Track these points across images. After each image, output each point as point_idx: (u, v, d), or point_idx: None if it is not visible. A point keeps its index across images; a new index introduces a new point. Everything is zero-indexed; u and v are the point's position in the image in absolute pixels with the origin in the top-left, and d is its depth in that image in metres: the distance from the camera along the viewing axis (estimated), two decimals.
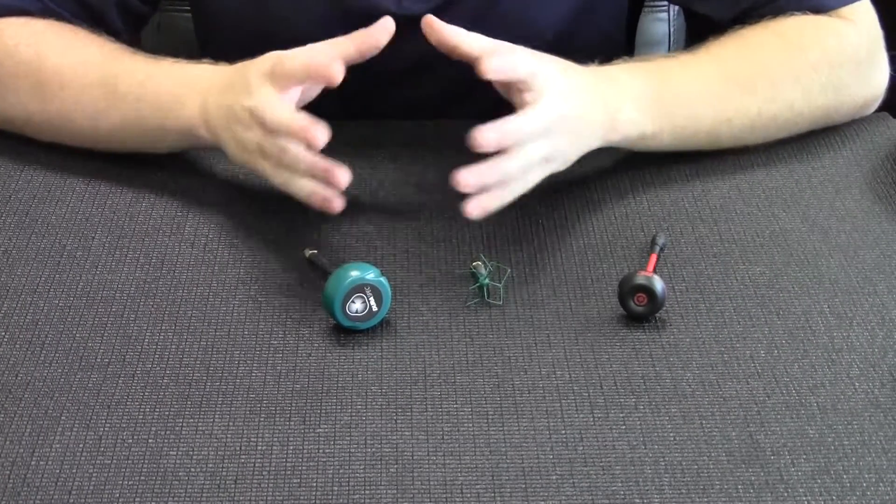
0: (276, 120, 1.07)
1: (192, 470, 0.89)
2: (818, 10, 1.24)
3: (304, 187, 1.08)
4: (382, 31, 1.10)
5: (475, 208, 1.05)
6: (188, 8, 1.41)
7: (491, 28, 1.18)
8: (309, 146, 1.06)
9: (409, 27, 1.13)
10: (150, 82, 1.18)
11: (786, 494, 0.87)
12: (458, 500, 0.87)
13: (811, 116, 1.24)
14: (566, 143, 1.12)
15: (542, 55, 1.12)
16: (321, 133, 1.05)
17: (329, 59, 1.07)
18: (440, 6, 1.24)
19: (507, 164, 1.06)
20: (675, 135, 1.20)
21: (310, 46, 1.10)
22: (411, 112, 1.32)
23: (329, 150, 1.06)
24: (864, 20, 1.25)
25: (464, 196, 1.05)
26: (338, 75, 1.06)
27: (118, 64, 1.20)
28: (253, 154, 1.10)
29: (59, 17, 1.25)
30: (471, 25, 1.15)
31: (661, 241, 1.10)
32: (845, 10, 1.25)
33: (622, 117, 1.16)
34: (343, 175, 1.06)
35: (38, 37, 1.22)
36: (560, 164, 1.12)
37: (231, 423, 0.93)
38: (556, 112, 1.09)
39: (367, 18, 1.14)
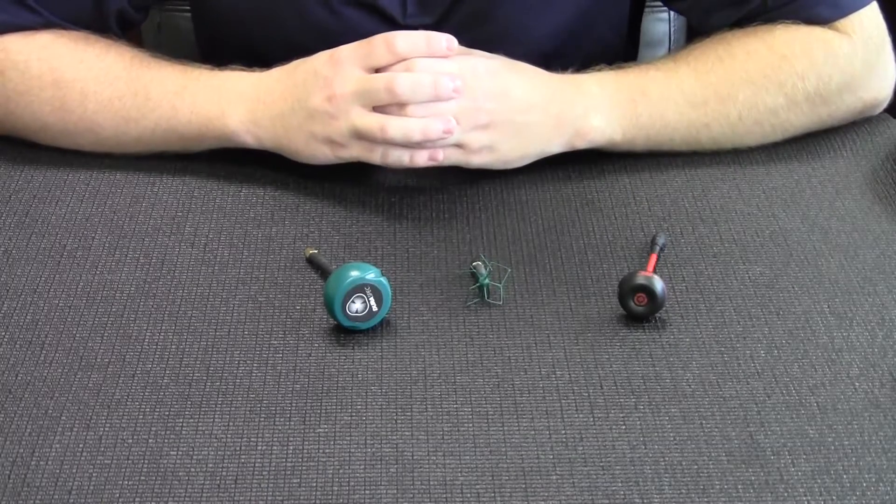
0: (399, 49, 1.11)
1: (192, 470, 0.89)
2: (811, 21, 1.24)
3: (403, 154, 1.12)
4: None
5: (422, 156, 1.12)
6: (188, 8, 1.41)
7: (489, 38, 1.19)
8: (448, 48, 1.11)
9: None
10: (186, 92, 1.18)
11: (786, 494, 0.87)
12: (458, 500, 0.87)
13: (800, 122, 1.24)
14: (506, 137, 1.15)
15: (483, 54, 1.16)
16: (445, 36, 1.12)
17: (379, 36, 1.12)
18: (440, 17, 1.24)
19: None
20: (650, 140, 1.21)
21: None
22: None
23: None
24: (861, 31, 1.25)
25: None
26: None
27: (147, 72, 1.20)
28: (338, 145, 1.13)
29: (61, 27, 1.23)
30: (468, 36, 1.16)
31: (661, 241, 1.10)
32: (840, 23, 1.24)
33: (588, 125, 1.18)
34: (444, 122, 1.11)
35: (48, 50, 1.21)
36: (501, 156, 1.15)
37: (231, 423, 0.93)
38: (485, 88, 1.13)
39: (372, 28, 1.14)
